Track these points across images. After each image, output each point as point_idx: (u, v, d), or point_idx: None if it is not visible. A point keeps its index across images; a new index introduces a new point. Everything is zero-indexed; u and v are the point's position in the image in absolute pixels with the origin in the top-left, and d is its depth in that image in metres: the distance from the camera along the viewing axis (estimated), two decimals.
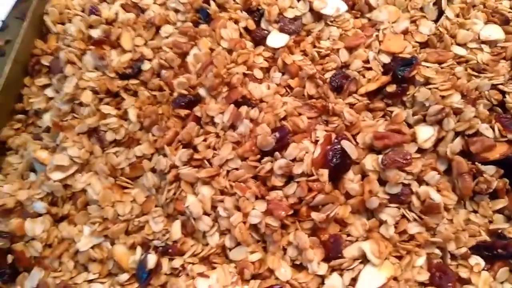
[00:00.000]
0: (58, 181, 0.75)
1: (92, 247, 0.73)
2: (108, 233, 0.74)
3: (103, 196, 0.74)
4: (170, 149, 0.75)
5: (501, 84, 0.77)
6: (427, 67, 0.80)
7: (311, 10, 0.88)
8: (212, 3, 0.88)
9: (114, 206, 0.74)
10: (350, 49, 0.84)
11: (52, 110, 0.84)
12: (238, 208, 0.71)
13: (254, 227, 0.71)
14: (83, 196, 0.76)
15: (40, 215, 0.76)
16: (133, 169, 0.78)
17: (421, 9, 0.89)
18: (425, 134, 0.74)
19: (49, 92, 0.88)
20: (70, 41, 0.87)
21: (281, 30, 0.86)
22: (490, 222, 0.73)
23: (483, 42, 0.83)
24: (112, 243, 0.75)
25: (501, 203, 0.73)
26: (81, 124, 0.79)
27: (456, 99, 0.75)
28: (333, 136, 0.73)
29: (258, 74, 0.82)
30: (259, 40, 0.86)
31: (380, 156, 0.71)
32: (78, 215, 0.76)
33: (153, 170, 0.77)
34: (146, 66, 0.84)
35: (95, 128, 0.79)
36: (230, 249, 0.72)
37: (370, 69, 0.82)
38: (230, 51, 0.83)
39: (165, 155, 0.76)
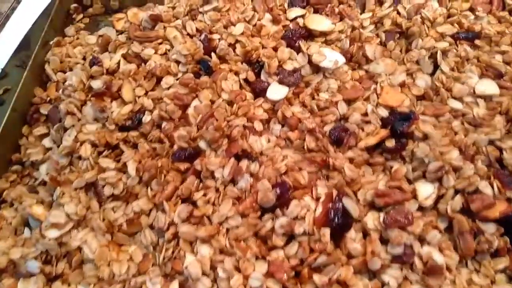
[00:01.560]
0: (53, 239, 0.73)
1: None
2: None
3: (99, 255, 0.72)
4: (169, 204, 0.74)
5: (498, 140, 0.78)
6: (425, 121, 0.81)
7: (310, 62, 0.89)
8: (213, 55, 0.90)
9: (110, 266, 0.72)
10: (349, 102, 0.86)
11: (49, 162, 0.83)
12: (238, 269, 0.69)
13: None
14: (78, 255, 0.74)
15: (33, 274, 0.73)
16: (130, 225, 0.76)
17: (417, 62, 0.92)
18: (426, 191, 0.73)
19: (46, 142, 0.87)
20: (71, 92, 0.86)
21: (281, 82, 0.87)
22: (492, 282, 0.71)
23: (479, 96, 0.84)
24: None
25: (502, 262, 0.71)
26: (79, 179, 0.77)
27: (454, 155, 0.75)
28: (334, 193, 0.73)
29: (258, 126, 0.82)
30: (259, 91, 0.87)
31: (382, 215, 0.71)
32: (73, 275, 0.73)
33: (151, 226, 0.75)
34: (146, 117, 0.83)
35: (93, 182, 0.78)
36: None
37: (368, 122, 0.83)
38: (230, 103, 0.84)
39: (163, 211, 0.74)
